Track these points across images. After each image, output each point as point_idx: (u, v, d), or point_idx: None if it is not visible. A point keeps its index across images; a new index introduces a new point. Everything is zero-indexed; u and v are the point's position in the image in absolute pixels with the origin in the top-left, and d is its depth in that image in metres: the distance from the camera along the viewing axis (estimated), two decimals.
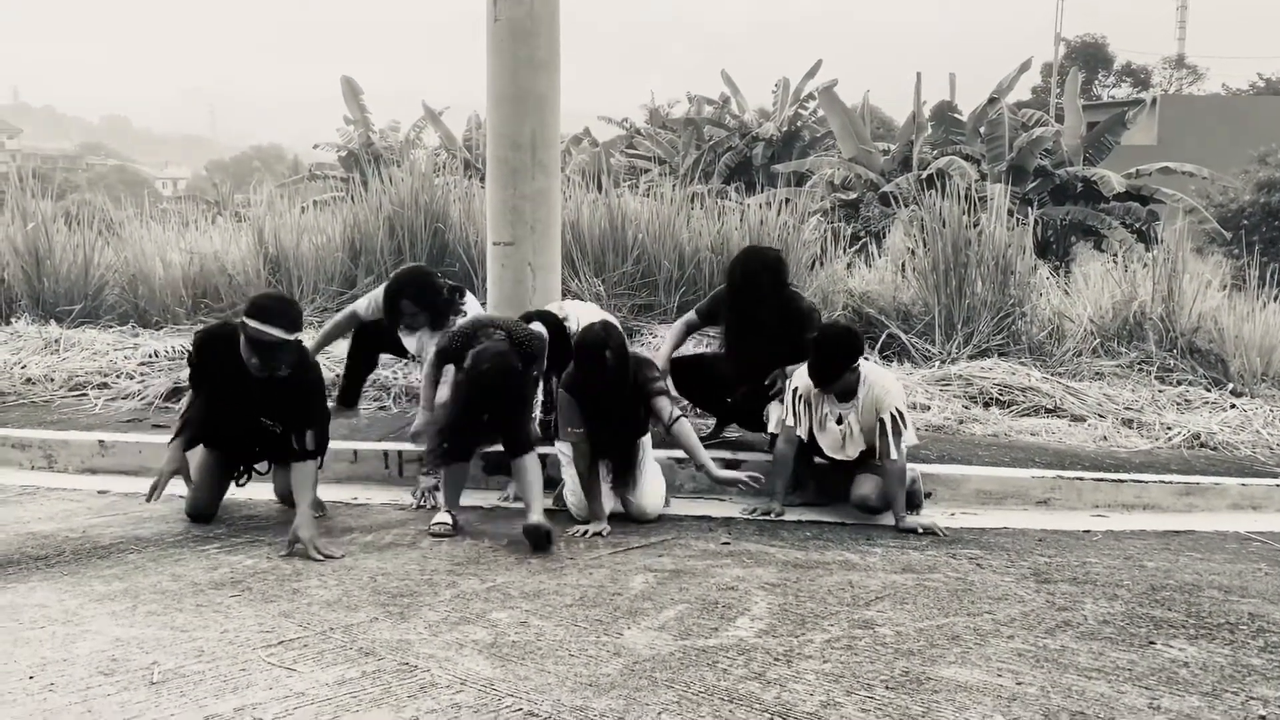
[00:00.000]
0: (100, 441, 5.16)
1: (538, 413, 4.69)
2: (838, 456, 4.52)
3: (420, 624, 3.07)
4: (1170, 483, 4.96)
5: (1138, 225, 17.60)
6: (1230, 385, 6.92)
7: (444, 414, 4.17)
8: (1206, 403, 6.51)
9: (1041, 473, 4.94)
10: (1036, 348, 7.41)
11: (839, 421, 4.46)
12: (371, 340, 5.38)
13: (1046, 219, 16.76)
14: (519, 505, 4.26)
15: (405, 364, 6.33)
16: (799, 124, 25.18)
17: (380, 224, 8.13)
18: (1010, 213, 7.88)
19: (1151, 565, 3.91)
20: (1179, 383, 6.92)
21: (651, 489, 4.37)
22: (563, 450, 4.39)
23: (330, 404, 4.50)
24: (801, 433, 4.52)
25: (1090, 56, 45.10)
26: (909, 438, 4.39)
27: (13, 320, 8.08)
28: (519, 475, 4.18)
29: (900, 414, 4.36)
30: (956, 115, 20.44)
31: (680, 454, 4.80)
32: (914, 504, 4.52)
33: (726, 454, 4.92)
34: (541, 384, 4.65)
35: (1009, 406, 6.24)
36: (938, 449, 5.26)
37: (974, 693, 2.66)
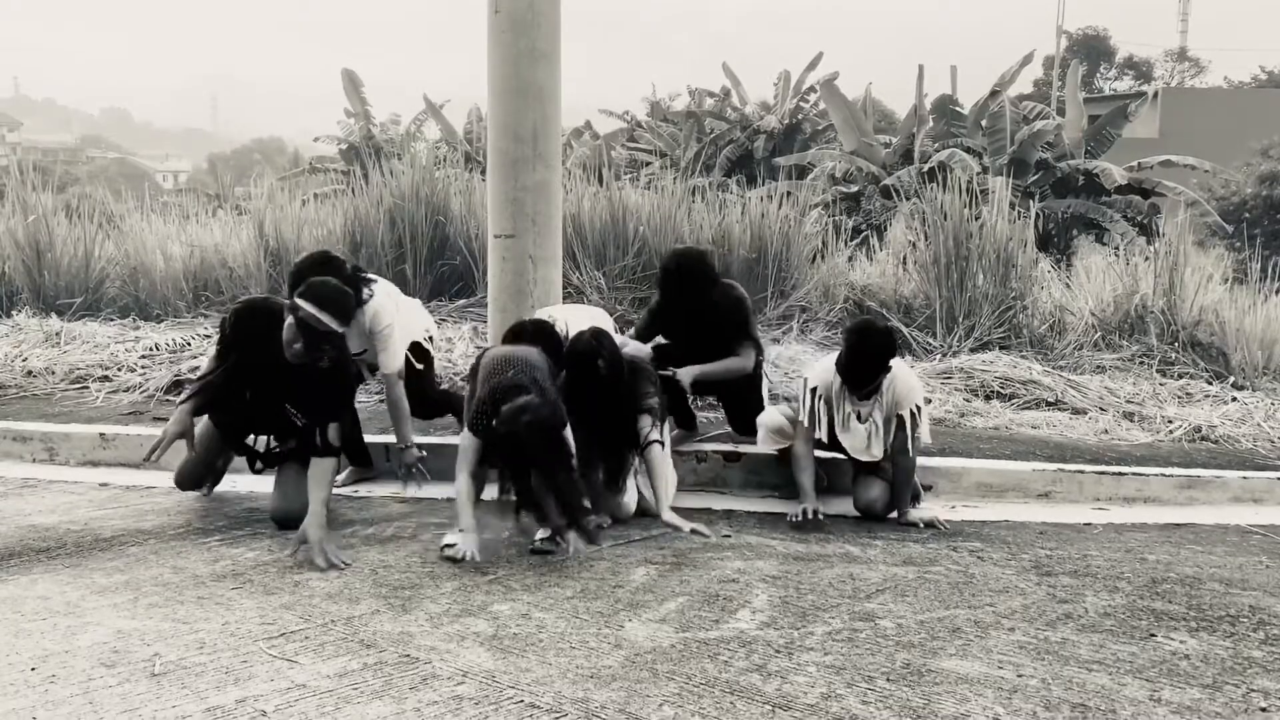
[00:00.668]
0: (101, 434, 5.16)
1: None
2: (863, 458, 4.37)
3: (421, 616, 3.08)
4: (1171, 476, 4.95)
5: (1139, 218, 17.60)
6: (1231, 378, 6.92)
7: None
8: (1208, 396, 6.51)
9: (1042, 466, 4.94)
10: (1038, 341, 7.41)
11: (862, 419, 4.32)
12: None
13: (1048, 212, 16.73)
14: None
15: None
16: (800, 117, 25.15)
17: (381, 217, 8.12)
18: (1011, 206, 7.88)
19: (1152, 558, 3.91)
20: (1180, 376, 6.92)
21: (627, 485, 4.26)
22: None
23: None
24: (821, 433, 4.34)
25: (1092, 49, 45.04)
26: (924, 435, 4.34)
27: (14, 313, 8.10)
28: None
29: (919, 410, 4.29)
30: (958, 108, 20.40)
31: (685, 448, 4.82)
32: (913, 496, 4.51)
33: (728, 446, 4.92)
34: None
35: (1010, 399, 6.24)
36: (939, 442, 5.26)
37: (975, 685, 2.66)
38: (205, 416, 4.15)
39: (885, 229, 12.26)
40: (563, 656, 2.79)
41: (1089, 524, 4.44)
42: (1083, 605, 3.31)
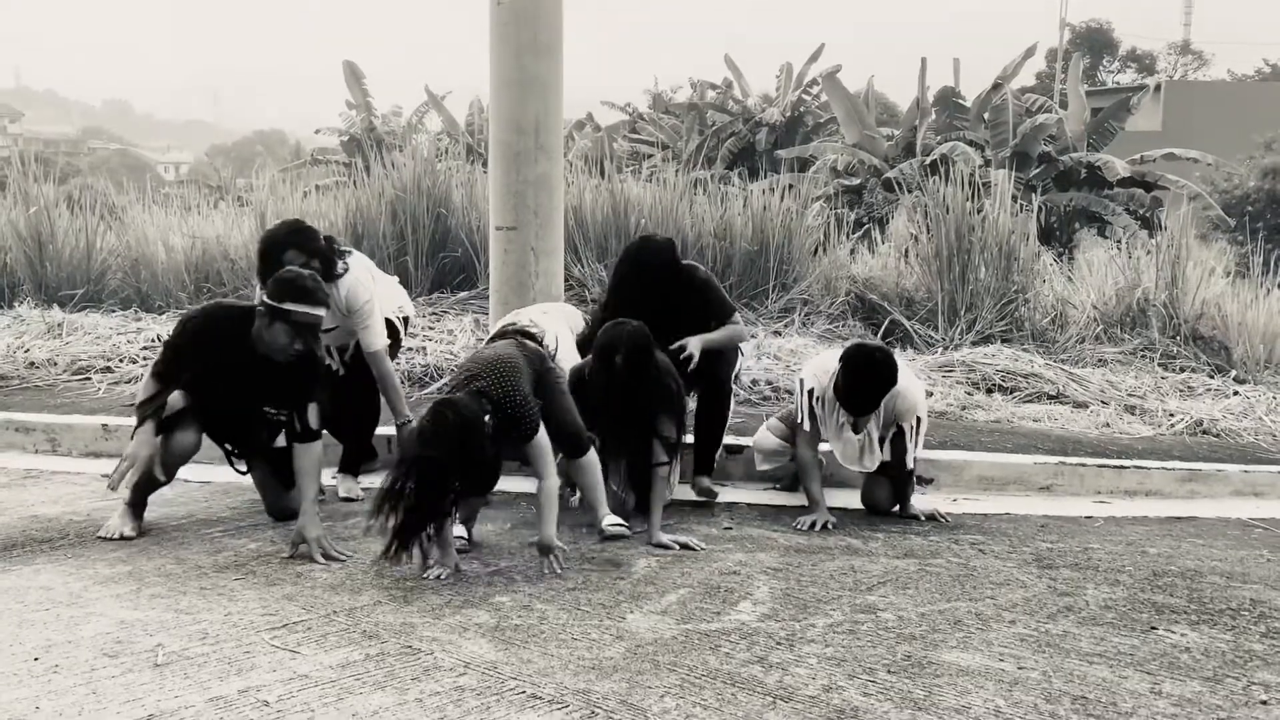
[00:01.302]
0: (104, 425, 5.17)
1: None
2: (853, 468, 4.26)
3: (423, 607, 3.08)
4: (1172, 469, 4.96)
5: (1142, 211, 17.57)
6: (1233, 372, 6.92)
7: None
8: (1209, 390, 6.51)
9: (1044, 459, 4.94)
10: (1039, 334, 7.41)
11: (856, 429, 4.18)
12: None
13: (1050, 205, 16.70)
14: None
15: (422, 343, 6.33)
16: (802, 109, 25.09)
17: (382, 209, 8.11)
18: (1014, 199, 7.88)
19: (1153, 551, 3.91)
20: (1182, 369, 6.92)
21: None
22: None
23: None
24: (825, 435, 4.24)
25: (1095, 42, 44.91)
26: (915, 452, 4.20)
27: (15, 304, 8.10)
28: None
29: (918, 424, 4.16)
30: (960, 101, 20.38)
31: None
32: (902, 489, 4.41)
33: (730, 438, 4.92)
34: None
35: (1011, 393, 6.24)
36: (940, 435, 5.26)
37: (976, 677, 2.67)
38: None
39: (887, 222, 12.24)
40: (564, 648, 2.80)
41: (1090, 517, 4.44)
42: (1084, 598, 3.32)
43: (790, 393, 5.37)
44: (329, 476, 4.42)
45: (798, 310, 7.54)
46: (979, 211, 7.58)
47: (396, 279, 5.11)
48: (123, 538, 3.71)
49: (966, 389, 6.21)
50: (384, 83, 26.56)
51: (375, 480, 4.60)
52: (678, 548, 3.77)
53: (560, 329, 4.34)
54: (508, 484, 4.39)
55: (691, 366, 4.37)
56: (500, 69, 5.53)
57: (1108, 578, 3.55)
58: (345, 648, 2.77)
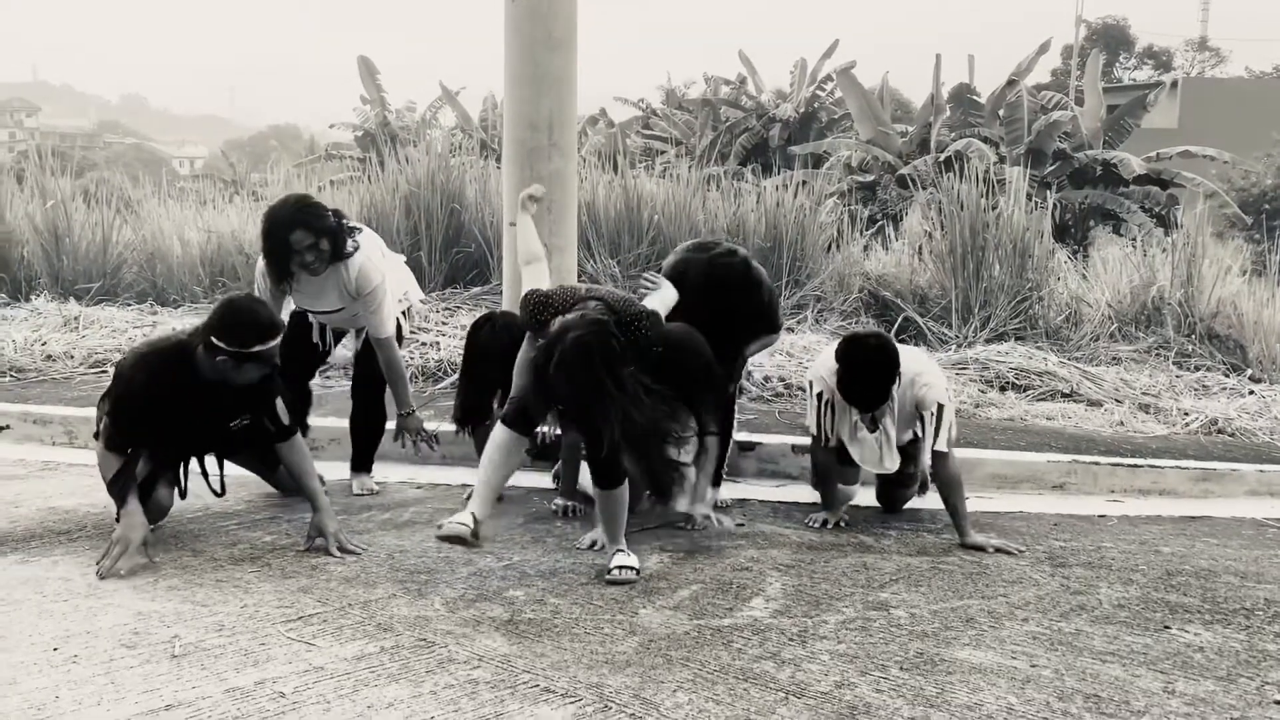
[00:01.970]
0: None
1: None
2: (876, 470, 4.00)
3: (438, 601, 3.10)
4: (1187, 469, 4.94)
5: (1157, 209, 17.48)
6: (1249, 371, 6.89)
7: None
8: (1224, 389, 6.48)
9: (1057, 457, 4.93)
10: (1053, 332, 7.39)
11: (872, 428, 3.91)
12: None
13: (1065, 202, 16.65)
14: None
15: (435, 336, 6.34)
16: (816, 105, 25.03)
17: (396, 204, 8.13)
18: (1028, 196, 7.85)
19: (1167, 550, 3.90)
20: (1197, 368, 6.89)
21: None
22: None
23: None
24: (834, 440, 4.00)
25: (1111, 39, 44.60)
26: (941, 443, 3.85)
27: (33, 297, 8.16)
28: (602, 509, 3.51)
29: (940, 411, 3.86)
30: (975, 97, 20.32)
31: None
32: (922, 485, 4.30)
33: (742, 435, 4.93)
34: None
35: (1025, 391, 6.23)
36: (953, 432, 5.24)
37: (988, 675, 2.67)
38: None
39: (901, 219, 12.23)
40: (578, 642, 2.81)
41: (1103, 516, 4.43)
42: (1097, 597, 3.31)
43: (803, 389, 5.37)
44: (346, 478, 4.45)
45: (811, 307, 7.54)
46: (993, 209, 7.56)
47: (404, 258, 4.95)
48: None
49: (980, 387, 6.20)
50: (398, 78, 26.62)
51: (390, 473, 4.66)
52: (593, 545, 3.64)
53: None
54: (520, 479, 4.45)
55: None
56: (514, 65, 5.54)
57: (1121, 577, 3.54)
58: (360, 640, 2.79)
